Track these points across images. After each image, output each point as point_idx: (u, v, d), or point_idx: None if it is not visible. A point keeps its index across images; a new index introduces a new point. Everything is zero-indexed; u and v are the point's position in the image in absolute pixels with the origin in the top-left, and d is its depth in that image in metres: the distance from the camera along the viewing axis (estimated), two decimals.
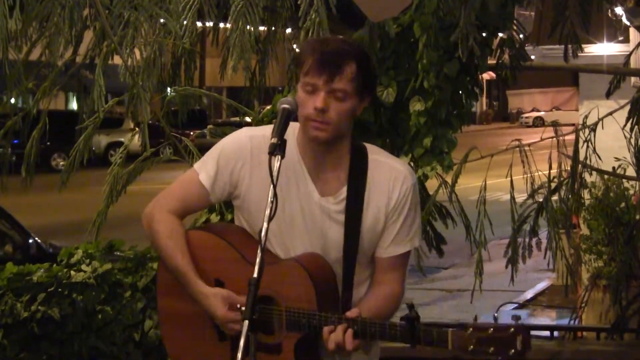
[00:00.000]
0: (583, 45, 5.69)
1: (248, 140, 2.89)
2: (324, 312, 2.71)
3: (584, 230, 9.03)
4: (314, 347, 2.80)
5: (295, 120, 2.77)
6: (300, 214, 2.82)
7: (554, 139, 5.98)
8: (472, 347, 2.61)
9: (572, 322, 7.35)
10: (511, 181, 5.87)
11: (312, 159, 2.83)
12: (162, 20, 4.72)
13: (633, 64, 7.35)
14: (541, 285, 12.07)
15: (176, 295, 2.90)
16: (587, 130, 5.87)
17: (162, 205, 2.93)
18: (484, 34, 4.99)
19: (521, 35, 5.43)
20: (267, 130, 2.87)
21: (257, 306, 2.49)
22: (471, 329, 2.62)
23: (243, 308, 2.55)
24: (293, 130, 2.83)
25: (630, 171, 6.54)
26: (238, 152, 2.88)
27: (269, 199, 2.55)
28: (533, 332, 6.55)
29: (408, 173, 2.89)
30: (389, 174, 2.86)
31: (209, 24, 5.68)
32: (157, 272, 3.07)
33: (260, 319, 2.68)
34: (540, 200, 5.88)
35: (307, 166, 2.84)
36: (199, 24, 5.16)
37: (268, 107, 5.32)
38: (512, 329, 2.59)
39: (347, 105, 2.76)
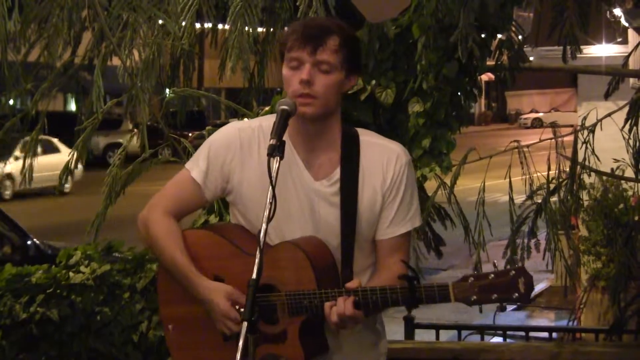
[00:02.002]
0: (582, 47, 5.69)
1: (237, 132, 2.89)
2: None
3: (583, 232, 9.04)
4: (320, 332, 2.78)
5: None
6: (296, 202, 2.81)
7: (553, 140, 5.97)
8: (474, 297, 2.59)
9: (570, 323, 7.35)
10: (510, 182, 5.86)
11: (303, 145, 2.82)
12: (160, 22, 4.72)
13: (632, 65, 7.34)
14: (540, 287, 12.09)
15: (178, 301, 2.87)
16: (585, 132, 5.86)
17: (157, 207, 2.91)
18: (482, 35, 4.99)
19: (520, 37, 5.43)
20: (255, 122, 2.92)
21: (256, 305, 2.48)
22: (472, 279, 2.60)
23: (242, 309, 2.54)
24: None
25: (629, 172, 6.53)
26: (227, 145, 2.88)
27: (268, 200, 2.55)
28: (532, 334, 6.56)
29: (401, 151, 2.88)
30: (381, 154, 2.86)
31: (208, 25, 5.68)
32: (157, 281, 3.03)
33: (262, 309, 2.67)
34: (539, 201, 5.87)
35: (299, 153, 2.83)
36: (197, 25, 5.16)
37: (267, 108, 5.32)
38: (513, 272, 2.59)
39: (332, 78, 2.77)
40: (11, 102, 5.22)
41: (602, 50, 10.30)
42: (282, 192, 2.75)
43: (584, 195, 7.82)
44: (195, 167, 2.90)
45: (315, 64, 2.74)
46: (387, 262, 2.85)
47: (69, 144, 5.25)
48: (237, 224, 2.93)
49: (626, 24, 9.00)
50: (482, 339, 6.41)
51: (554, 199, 5.91)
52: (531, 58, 7.57)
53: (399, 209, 2.85)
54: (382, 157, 2.85)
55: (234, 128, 2.92)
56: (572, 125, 8.08)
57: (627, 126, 5.65)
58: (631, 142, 5.71)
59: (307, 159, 2.84)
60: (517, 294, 2.58)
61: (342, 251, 2.81)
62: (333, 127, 2.86)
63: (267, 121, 2.87)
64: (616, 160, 6.75)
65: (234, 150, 2.87)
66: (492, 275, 2.59)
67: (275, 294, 2.72)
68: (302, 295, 2.69)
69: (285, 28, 4.33)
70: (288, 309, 2.71)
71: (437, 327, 6.19)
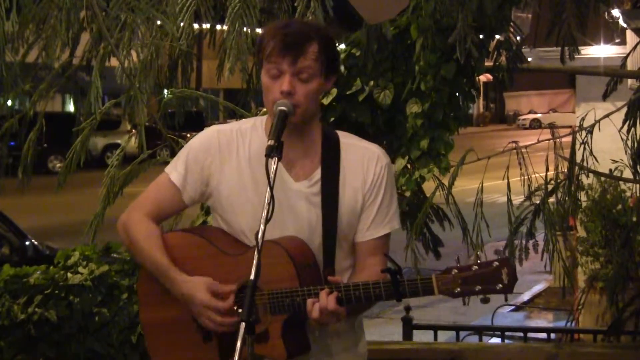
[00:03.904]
0: (580, 48, 5.69)
1: (216, 135, 2.90)
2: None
3: (581, 233, 9.04)
4: (302, 331, 2.78)
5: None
6: (277, 203, 2.77)
7: (551, 141, 5.97)
8: (458, 289, 2.59)
9: (569, 324, 7.35)
10: (508, 183, 5.86)
11: (284, 147, 2.81)
12: (158, 22, 4.72)
13: (630, 66, 7.36)
14: (538, 288, 12.12)
15: (157, 305, 2.88)
16: (583, 133, 5.86)
17: (136, 210, 2.92)
18: (481, 36, 4.99)
19: (518, 37, 5.44)
20: (235, 125, 2.93)
21: (253, 307, 2.48)
22: (455, 271, 2.60)
23: (239, 310, 2.54)
24: (261, 122, 2.88)
25: (627, 173, 6.53)
26: (206, 148, 2.89)
27: (266, 201, 2.55)
28: (530, 335, 6.56)
29: (381, 153, 2.90)
30: (362, 155, 2.88)
31: (206, 25, 5.68)
32: (137, 285, 3.03)
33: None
34: (537, 202, 5.88)
35: None
36: (195, 25, 5.16)
37: (265, 109, 5.32)
38: (496, 263, 2.58)
39: (312, 86, 2.78)
40: (9, 102, 5.22)
41: (600, 51, 10.32)
42: (263, 194, 2.71)
43: (582, 196, 7.81)
44: (174, 170, 2.91)
45: (296, 73, 2.75)
46: (366, 263, 2.86)
47: (68, 146, 5.24)
48: (218, 227, 2.93)
49: (624, 25, 9.02)
50: (481, 339, 6.42)
51: (552, 199, 5.92)
52: (529, 59, 7.57)
53: (379, 211, 2.87)
54: (362, 158, 2.87)
55: (213, 131, 2.93)
56: (570, 126, 8.08)
57: (625, 127, 5.65)
58: (629, 143, 5.71)
59: (288, 161, 2.84)
60: (500, 285, 2.58)
61: (324, 250, 2.82)
62: (313, 130, 2.88)
63: (246, 124, 2.91)
64: (614, 161, 6.75)
65: (213, 153, 2.88)
66: (476, 267, 2.59)
67: (257, 293, 2.69)
68: (284, 294, 2.70)
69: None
70: (270, 308, 2.71)
71: (436, 328, 6.19)
